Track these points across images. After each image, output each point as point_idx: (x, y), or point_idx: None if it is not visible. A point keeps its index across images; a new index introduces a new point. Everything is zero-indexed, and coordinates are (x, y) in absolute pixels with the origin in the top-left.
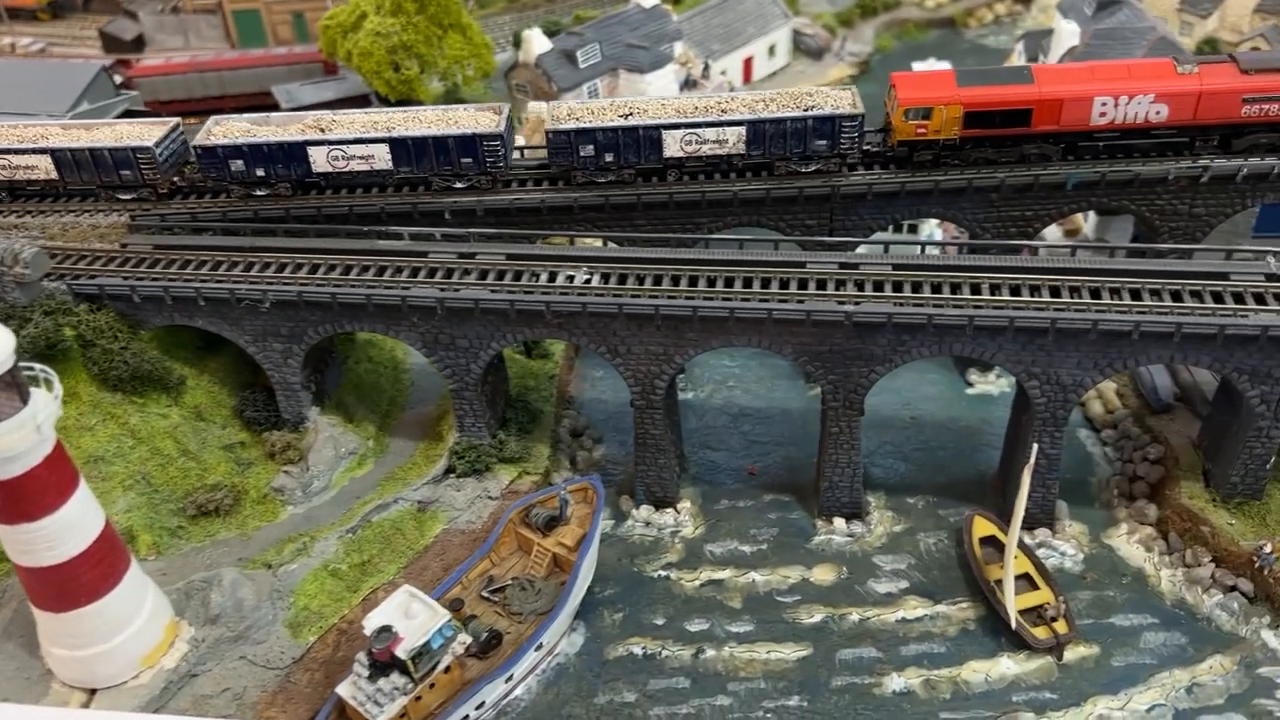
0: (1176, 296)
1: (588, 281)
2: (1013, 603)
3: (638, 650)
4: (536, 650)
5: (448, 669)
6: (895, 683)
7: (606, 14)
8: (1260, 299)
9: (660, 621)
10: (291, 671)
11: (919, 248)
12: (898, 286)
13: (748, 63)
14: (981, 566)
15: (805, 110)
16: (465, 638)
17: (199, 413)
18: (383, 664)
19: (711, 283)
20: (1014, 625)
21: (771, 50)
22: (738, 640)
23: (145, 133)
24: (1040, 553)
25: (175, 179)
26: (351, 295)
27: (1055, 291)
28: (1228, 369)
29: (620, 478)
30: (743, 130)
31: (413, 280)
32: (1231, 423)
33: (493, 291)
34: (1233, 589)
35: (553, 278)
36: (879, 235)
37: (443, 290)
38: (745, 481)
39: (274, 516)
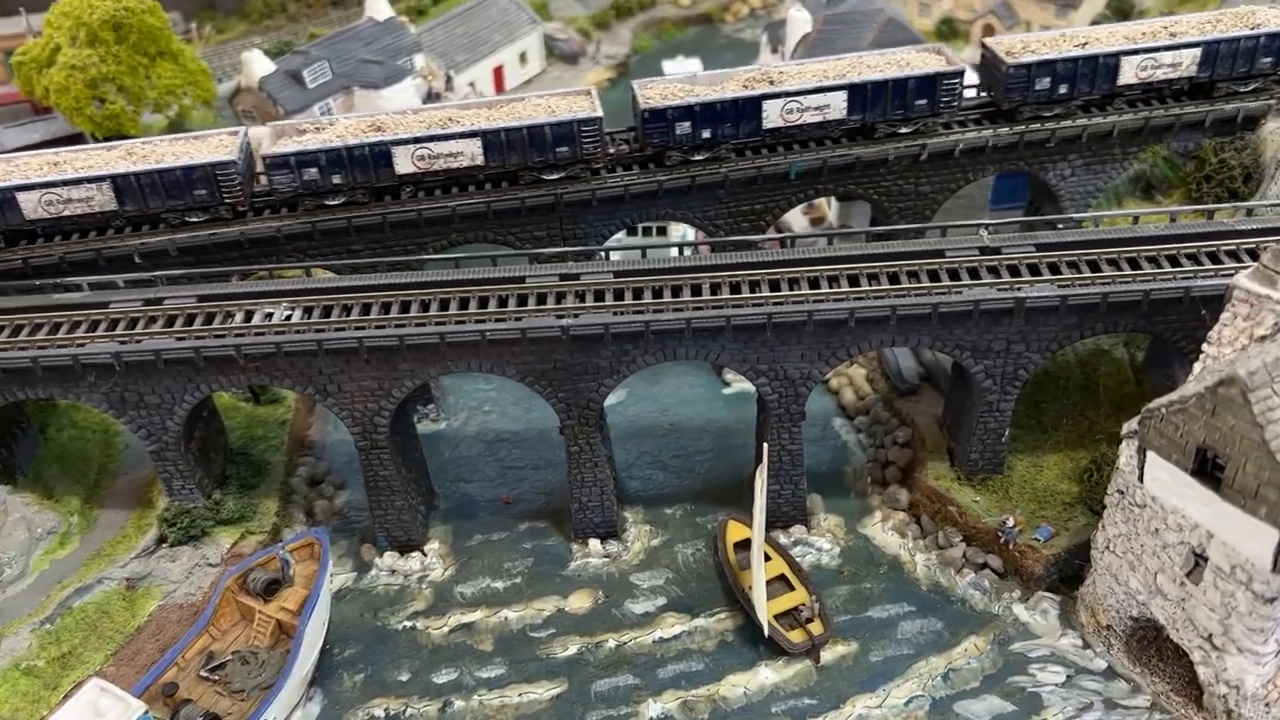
0: (894, 279)
1: (288, 318)
2: (764, 608)
3: (380, 713)
4: None
5: None
6: (653, 709)
7: (338, 30)
8: (974, 273)
9: (405, 677)
10: None
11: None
12: (619, 295)
13: (498, 71)
14: (736, 573)
15: (1253, 29)
16: None
17: None
18: None
19: (425, 307)
20: (767, 632)
21: (523, 57)
22: (488, 686)
23: (577, 105)
24: (796, 550)
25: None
26: (15, 360)
27: (775, 285)
28: (949, 347)
29: (365, 525)
30: (1197, 52)
31: (89, 336)
32: (966, 399)
33: (178, 340)
34: (984, 566)
35: (249, 317)
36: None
37: (122, 344)
38: (500, 512)
39: None
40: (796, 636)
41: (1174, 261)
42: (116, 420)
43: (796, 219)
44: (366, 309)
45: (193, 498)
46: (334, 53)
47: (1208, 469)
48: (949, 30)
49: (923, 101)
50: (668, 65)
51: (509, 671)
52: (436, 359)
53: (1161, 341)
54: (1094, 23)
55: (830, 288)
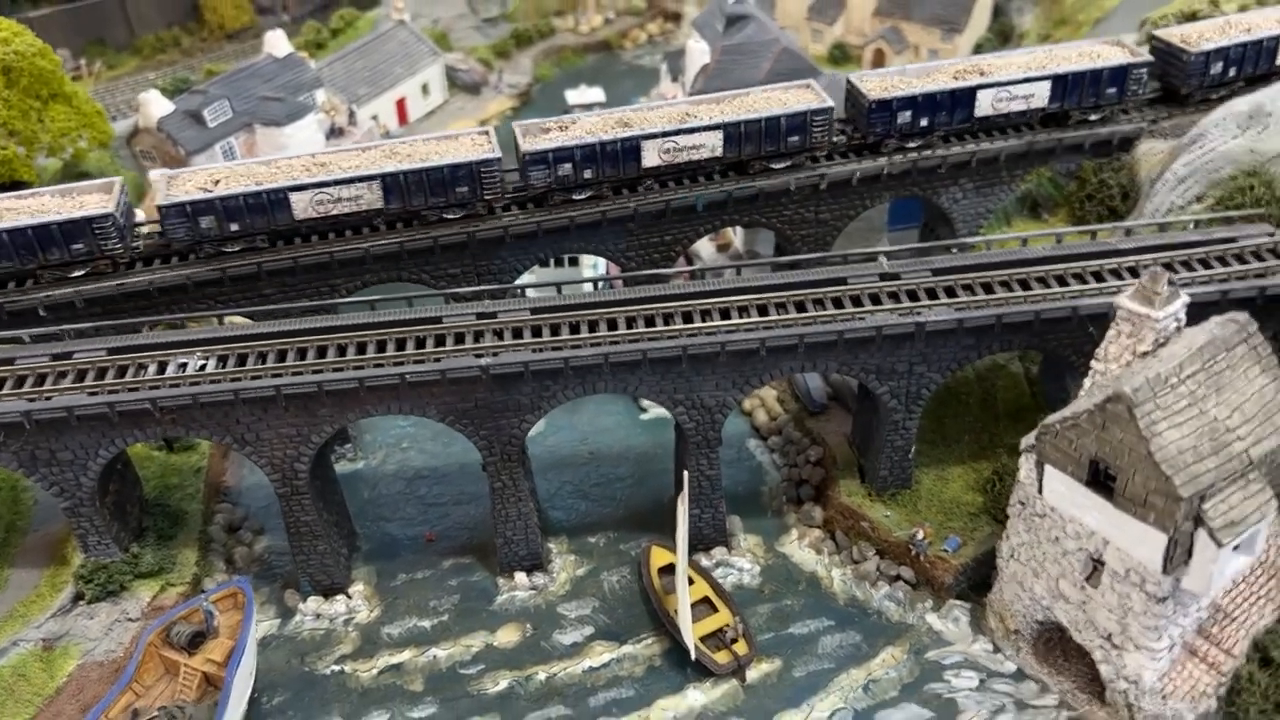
0: (800, 307)
1: (202, 368)
2: (690, 631)
3: None
4: None
5: None
6: None
7: (237, 67)
8: (876, 299)
9: None
10: None
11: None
12: (536, 331)
13: (401, 104)
14: (661, 598)
15: None
16: None
17: None
18: None
19: (342, 351)
20: (694, 655)
21: (425, 89)
22: None
23: (803, 97)
24: (718, 572)
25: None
26: None
27: (688, 317)
28: (855, 370)
29: (287, 570)
30: None
31: None
32: (873, 419)
33: (90, 394)
34: (897, 578)
35: (162, 368)
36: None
37: (31, 401)
38: (424, 550)
39: None
40: (722, 658)
41: (1061, 281)
42: (28, 479)
43: (704, 245)
44: (282, 355)
45: (109, 552)
46: (234, 90)
47: (1100, 479)
48: (841, 55)
49: (1112, 90)
50: (570, 94)
51: (440, 711)
52: (356, 403)
53: (1053, 356)
54: (978, 46)
55: (741, 318)
